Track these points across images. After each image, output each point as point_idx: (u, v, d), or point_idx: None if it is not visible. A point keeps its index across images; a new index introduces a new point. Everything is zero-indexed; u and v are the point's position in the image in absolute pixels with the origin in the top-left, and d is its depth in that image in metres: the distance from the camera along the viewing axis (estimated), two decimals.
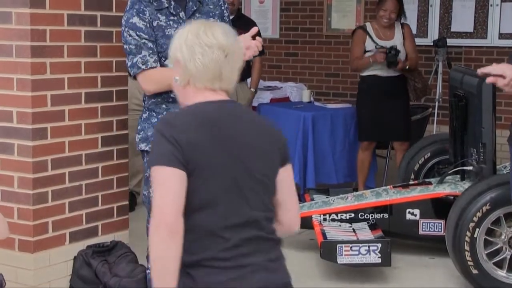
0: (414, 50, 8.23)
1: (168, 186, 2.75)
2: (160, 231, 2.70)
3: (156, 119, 4.61)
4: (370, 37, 8.11)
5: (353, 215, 6.58)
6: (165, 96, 4.60)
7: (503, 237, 5.90)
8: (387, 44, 8.04)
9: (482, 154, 6.18)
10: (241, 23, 8.12)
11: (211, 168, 2.83)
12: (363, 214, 6.58)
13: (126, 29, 4.54)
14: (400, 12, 8.26)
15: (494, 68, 3.90)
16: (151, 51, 4.55)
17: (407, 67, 8.06)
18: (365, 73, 8.33)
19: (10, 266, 4.51)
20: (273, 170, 3.04)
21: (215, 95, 2.98)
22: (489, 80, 3.94)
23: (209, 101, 2.95)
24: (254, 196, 2.93)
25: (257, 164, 2.97)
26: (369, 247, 6.04)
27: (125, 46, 4.57)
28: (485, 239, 5.90)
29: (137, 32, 4.52)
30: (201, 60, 2.92)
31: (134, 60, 4.54)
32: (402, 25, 8.39)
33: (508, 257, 5.89)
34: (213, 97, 2.97)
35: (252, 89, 8.52)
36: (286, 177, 3.12)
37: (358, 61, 8.28)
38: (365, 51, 8.17)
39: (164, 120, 2.98)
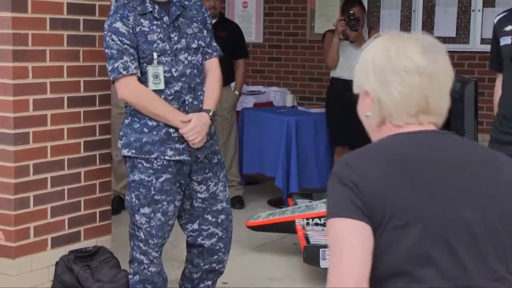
0: None
1: (347, 244, 2.13)
2: None
3: (138, 124, 4.61)
4: (338, 36, 8.19)
5: None
6: None
7: None
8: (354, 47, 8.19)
9: None
10: (224, 27, 8.24)
11: (406, 220, 2.15)
12: None
13: (109, 33, 4.52)
14: (364, 17, 8.51)
15: None
16: (132, 57, 4.53)
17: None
18: (333, 75, 8.50)
19: None
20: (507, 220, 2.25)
21: (420, 127, 2.35)
22: None
23: (404, 132, 2.34)
24: (476, 258, 2.18)
25: (480, 213, 2.22)
26: None
27: (106, 51, 4.55)
28: None
29: (120, 37, 4.50)
30: (399, 90, 2.32)
31: (115, 65, 4.52)
32: (369, 29, 8.62)
33: None
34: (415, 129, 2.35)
35: (236, 92, 8.53)
36: None
37: (328, 50, 8.40)
38: None
39: (342, 160, 2.38)
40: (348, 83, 8.34)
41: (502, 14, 5.20)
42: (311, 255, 6.02)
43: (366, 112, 2.40)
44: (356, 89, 2.50)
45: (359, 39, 8.07)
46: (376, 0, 10.93)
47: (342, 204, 2.17)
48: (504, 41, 5.06)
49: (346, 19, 8.05)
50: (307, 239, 6.25)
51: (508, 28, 5.05)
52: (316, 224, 6.53)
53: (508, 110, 5.00)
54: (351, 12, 8.08)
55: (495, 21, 5.23)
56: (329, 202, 2.27)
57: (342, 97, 8.14)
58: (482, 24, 10.08)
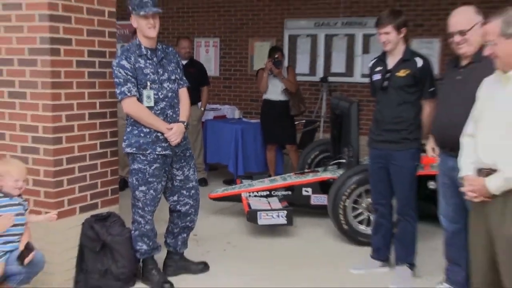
0: (293, 81, 8.35)
1: None
2: None
3: (136, 131, 4.66)
4: (269, 70, 8.25)
5: (268, 192, 6.62)
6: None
7: (363, 205, 6.08)
8: (277, 79, 8.27)
9: (350, 152, 6.31)
10: (194, 65, 8.36)
11: None
12: (275, 191, 6.63)
13: (117, 68, 4.53)
14: (284, 59, 8.50)
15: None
16: (133, 84, 4.55)
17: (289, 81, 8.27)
18: (264, 97, 8.45)
19: (42, 228, 4.43)
20: None
21: None
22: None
23: None
24: None
25: None
26: (278, 213, 6.08)
27: (115, 80, 4.56)
28: (352, 207, 6.02)
29: (125, 71, 4.52)
30: None
31: (122, 89, 4.54)
32: (287, 67, 8.54)
33: (366, 217, 6.05)
34: None
35: (202, 109, 8.54)
36: None
37: (261, 81, 8.40)
38: None
39: None
40: (272, 102, 8.48)
41: (374, 59, 5.25)
42: (252, 216, 6.10)
43: None
44: None
45: (280, 74, 8.17)
46: (293, 47, 11.00)
47: None
48: (376, 77, 5.09)
49: (272, 61, 8.12)
50: (249, 206, 6.33)
51: (378, 68, 5.09)
52: (255, 196, 6.61)
53: (379, 118, 5.05)
54: (275, 56, 8.18)
55: (370, 64, 5.28)
56: None
57: (269, 111, 8.30)
58: (362, 64, 10.20)
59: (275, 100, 8.28)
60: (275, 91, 8.27)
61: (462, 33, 4.19)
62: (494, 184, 3.41)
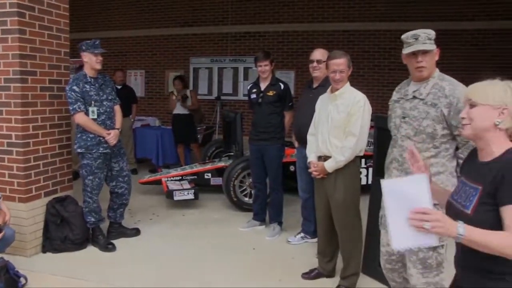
0: (195, 102, 8.29)
1: None
2: None
3: (85, 136, 4.52)
4: (174, 94, 8.15)
5: (181, 177, 6.57)
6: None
7: (247, 183, 6.09)
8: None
9: (237, 148, 6.35)
10: (126, 88, 8.14)
11: None
12: (185, 176, 6.59)
13: (70, 91, 4.43)
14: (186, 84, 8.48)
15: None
16: (81, 102, 4.45)
17: (190, 106, 8.20)
18: (174, 112, 8.28)
19: (15, 210, 4.23)
20: None
21: None
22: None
23: None
24: None
25: None
26: (188, 191, 6.06)
27: (68, 100, 4.44)
28: (239, 185, 6.06)
29: (75, 93, 4.43)
30: None
31: (74, 106, 4.43)
32: (191, 91, 8.40)
33: (249, 192, 6.08)
34: None
35: (132, 120, 8.32)
36: None
37: (171, 104, 8.27)
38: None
39: None
40: (180, 115, 8.41)
41: (251, 84, 5.29)
42: (169, 194, 6.05)
43: (495, 120, 1.73)
44: (492, 102, 1.74)
45: (185, 106, 8.09)
46: (196, 76, 10.94)
47: None
48: (253, 96, 5.15)
49: (181, 97, 8.05)
50: (167, 187, 6.26)
51: (254, 90, 5.15)
52: (171, 180, 6.53)
53: (255, 123, 5.11)
54: (185, 94, 8.11)
55: (248, 87, 5.31)
56: None
57: (178, 121, 8.21)
58: (243, 87, 10.31)
59: (181, 114, 8.23)
60: (181, 109, 8.23)
61: (319, 62, 4.39)
62: (329, 166, 3.61)
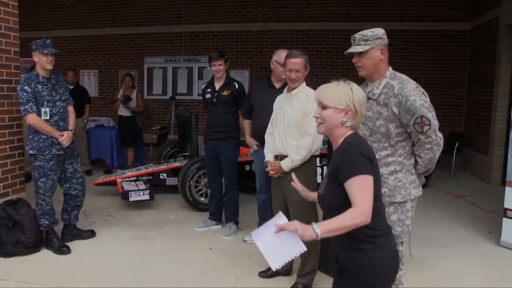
0: (140, 104, 8.23)
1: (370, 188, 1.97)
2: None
3: (37, 137, 4.42)
4: (118, 95, 8.18)
5: (136, 178, 6.50)
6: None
7: (202, 183, 6.09)
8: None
9: (192, 147, 6.34)
10: (80, 89, 8.05)
11: (376, 176, 2.02)
12: (141, 177, 6.52)
13: (21, 91, 4.30)
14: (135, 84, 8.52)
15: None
16: (33, 103, 4.33)
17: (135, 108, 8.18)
18: (119, 113, 8.23)
19: None
20: None
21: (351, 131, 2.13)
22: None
23: (354, 133, 2.12)
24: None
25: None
26: (144, 192, 6.01)
27: (20, 100, 4.31)
28: (195, 185, 6.05)
29: (27, 93, 4.30)
30: (364, 111, 2.15)
31: (25, 107, 4.31)
32: (137, 92, 8.33)
33: (205, 192, 6.07)
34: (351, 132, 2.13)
35: (85, 120, 8.17)
36: None
37: (115, 104, 8.23)
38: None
39: (360, 144, 2.07)
40: (123, 117, 8.34)
41: (206, 83, 5.24)
42: (125, 195, 5.99)
43: (343, 119, 2.09)
44: (338, 105, 2.09)
45: (128, 107, 8.08)
46: (150, 76, 10.82)
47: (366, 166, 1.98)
48: (207, 95, 5.12)
49: (123, 98, 8.06)
50: (122, 188, 6.18)
51: (208, 90, 5.12)
52: (127, 181, 6.45)
53: (210, 123, 5.09)
54: (127, 95, 8.10)
55: (203, 86, 5.25)
56: (356, 164, 1.98)
57: (119, 123, 8.19)
58: (198, 87, 10.30)
59: (124, 116, 8.14)
60: (124, 110, 8.14)
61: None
62: (285, 165, 3.66)
